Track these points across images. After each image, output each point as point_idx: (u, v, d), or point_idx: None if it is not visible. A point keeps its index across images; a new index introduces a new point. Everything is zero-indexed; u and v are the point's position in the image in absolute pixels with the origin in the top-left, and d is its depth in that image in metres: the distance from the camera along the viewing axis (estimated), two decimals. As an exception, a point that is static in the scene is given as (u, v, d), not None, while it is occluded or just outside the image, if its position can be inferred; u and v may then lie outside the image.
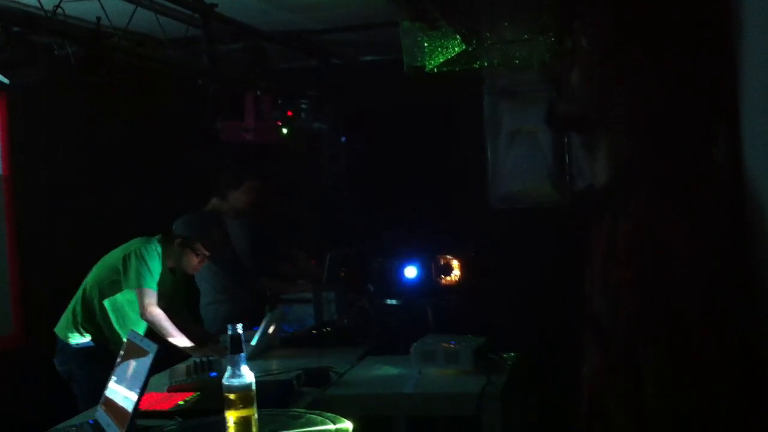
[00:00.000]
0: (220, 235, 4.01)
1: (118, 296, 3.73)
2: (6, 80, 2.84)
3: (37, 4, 3.15)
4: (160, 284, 3.74)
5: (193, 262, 3.85)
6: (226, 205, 4.48)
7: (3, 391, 4.01)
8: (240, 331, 2.02)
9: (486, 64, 3.73)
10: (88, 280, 3.79)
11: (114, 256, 3.78)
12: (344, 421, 2.12)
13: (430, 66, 3.66)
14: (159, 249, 3.76)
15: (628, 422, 1.16)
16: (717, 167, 1.37)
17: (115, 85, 3.15)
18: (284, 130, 5.08)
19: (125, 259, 3.69)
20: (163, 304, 3.73)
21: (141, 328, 3.65)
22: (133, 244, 3.77)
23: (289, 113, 5.11)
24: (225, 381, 2.01)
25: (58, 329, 3.77)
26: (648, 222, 1.13)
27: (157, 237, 3.82)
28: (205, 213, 4.38)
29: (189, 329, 3.81)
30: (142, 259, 3.67)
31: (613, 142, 1.26)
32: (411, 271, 4.45)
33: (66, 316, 3.76)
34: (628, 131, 1.24)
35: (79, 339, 3.71)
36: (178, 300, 4.03)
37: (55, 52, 3.14)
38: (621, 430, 1.18)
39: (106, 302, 3.72)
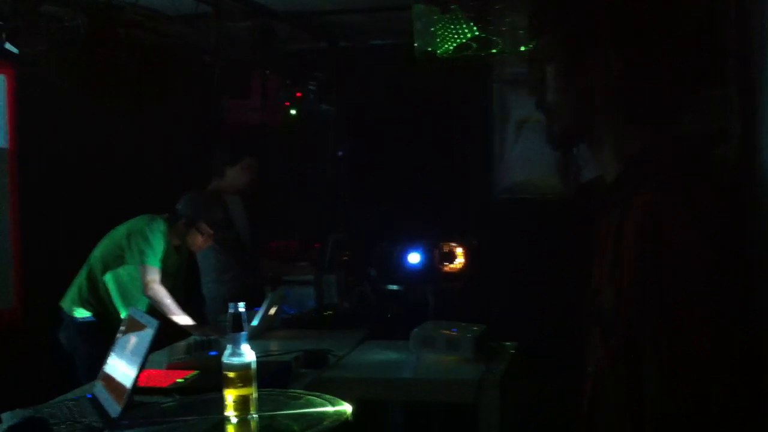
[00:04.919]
0: (222, 215, 4.02)
1: (122, 272, 3.74)
2: (15, 50, 2.81)
3: (47, -25, 3.13)
4: (165, 263, 3.75)
5: (197, 241, 3.88)
6: (224, 183, 4.46)
7: (2, 364, 4.01)
8: (241, 309, 2.01)
9: (497, 51, 3.70)
10: (94, 255, 3.81)
11: (119, 231, 3.79)
12: (343, 404, 2.12)
13: (441, 51, 3.64)
14: (163, 227, 3.77)
15: (627, 416, 1.15)
16: (722, 165, 1.36)
17: (123, 59, 3.13)
18: (292, 111, 5.05)
19: (129, 236, 3.71)
20: (168, 282, 3.73)
21: (143, 305, 3.65)
22: (138, 221, 3.79)
23: (297, 94, 5.08)
24: (225, 359, 2.00)
25: (64, 303, 3.79)
26: (652, 216, 1.12)
27: (163, 216, 3.83)
28: (207, 192, 4.38)
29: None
30: (145, 237, 3.69)
31: (618, 137, 1.24)
32: (414, 257, 4.43)
33: (71, 291, 3.78)
34: (635, 127, 1.23)
35: (84, 313, 3.74)
36: (182, 279, 4.04)
37: (65, 23, 3.11)
38: (620, 424, 1.17)
39: (109, 277, 3.74)
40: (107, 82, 4.44)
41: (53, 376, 3.61)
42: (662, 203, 1.12)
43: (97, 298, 3.73)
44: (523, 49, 3.49)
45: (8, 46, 2.79)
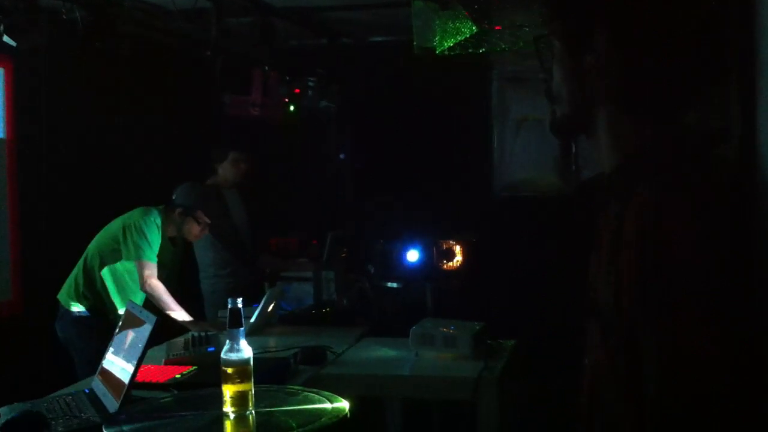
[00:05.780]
0: (219, 205, 4.01)
1: (118, 266, 3.74)
2: (13, 42, 2.80)
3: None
4: (161, 255, 3.74)
5: (194, 230, 3.87)
6: (219, 178, 4.49)
7: (0, 357, 4.00)
8: (240, 305, 2.01)
9: (496, 48, 3.69)
10: (90, 248, 3.80)
11: (115, 225, 3.78)
12: (341, 400, 2.11)
13: (440, 48, 3.63)
14: (158, 220, 3.76)
15: (627, 414, 1.14)
16: (723, 165, 1.36)
17: (122, 53, 3.12)
18: (291, 108, 5.05)
19: (124, 231, 3.69)
20: (163, 274, 3.73)
21: (140, 299, 3.65)
22: (133, 215, 3.77)
23: (296, 90, 5.08)
24: (223, 355, 2.00)
25: (60, 296, 3.78)
26: (651, 213, 1.11)
27: (158, 208, 3.82)
28: (205, 185, 4.39)
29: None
30: (140, 231, 3.68)
31: (617, 132, 1.24)
32: (412, 255, 4.43)
33: (68, 284, 3.78)
34: (634, 124, 1.22)
35: (80, 307, 3.73)
36: (177, 271, 4.03)
37: (63, 16, 3.10)
38: (620, 422, 1.16)
39: (106, 271, 3.73)
40: (106, 76, 4.44)
41: (52, 370, 3.60)
42: (662, 202, 1.12)
43: (93, 292, 3.73)
44: (521, 45, 3.48)
45: (6, 39, 2.78)
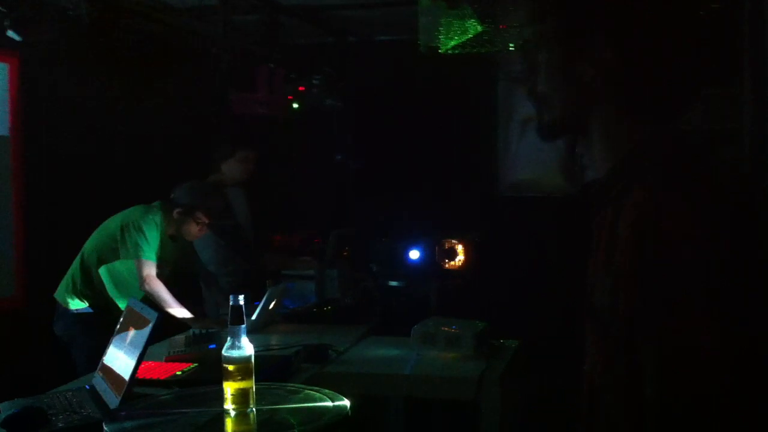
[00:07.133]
0: (220, 204, 4.00)
1: (117, 264, 3.72)
2: (18, 37, 2.81)
3: (52, -36, 3.12)
4: (162, 252, 3.73)
5: (193, 230, 3.84)
6: (224, 176, 4.47)
7: (2, 353, 4.01)
8: (242, 302, 2.00)
9: (502, 48, 3.68)
10: (87, 246, 3.78)
11: (113, 223, 3.76)
12: (342, 399, 2.11)
13: (447, 47, 3.62)
14: (158, 218, 3.74)
15: (626, 416, 1.14)
16: (722, 163, 1.35)
17: (127, 49, 3.12)
18: (295, 105, 5.05)
19: (123, 230, 3.67)
20: (165, 271, 3.72)
21: (140, 295, 3.64)
22: (133, 213, 3.75)
23: (301, 88, 5.08)
24: (224, 352, 1.99)
25: (58, 294, 3.76)
26: (649, 213, 1.11)
27: (157, 204, 3.80)
28: (205, 182, 4.37)
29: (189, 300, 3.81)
30: (139, 230, 3.66)
31: (610, 132, 1.23)
32: (415, 254, 4.43)
33: (65, 282, 3.75)
34: (629, 123, 1.22)
35: (79, 305, 3.71)
36: (180, 267, 4.01)
37: (69, 12, 3.11)
38: (620, 422, 1.16)
39: (103, 269, 3.71)
40: (111, 73, 4.44)
41: (53, 366, 3.60)
42: (662, 202, 1.11)
43: (92, 290, 3.71)
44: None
45: (11, 33, 2.79)
